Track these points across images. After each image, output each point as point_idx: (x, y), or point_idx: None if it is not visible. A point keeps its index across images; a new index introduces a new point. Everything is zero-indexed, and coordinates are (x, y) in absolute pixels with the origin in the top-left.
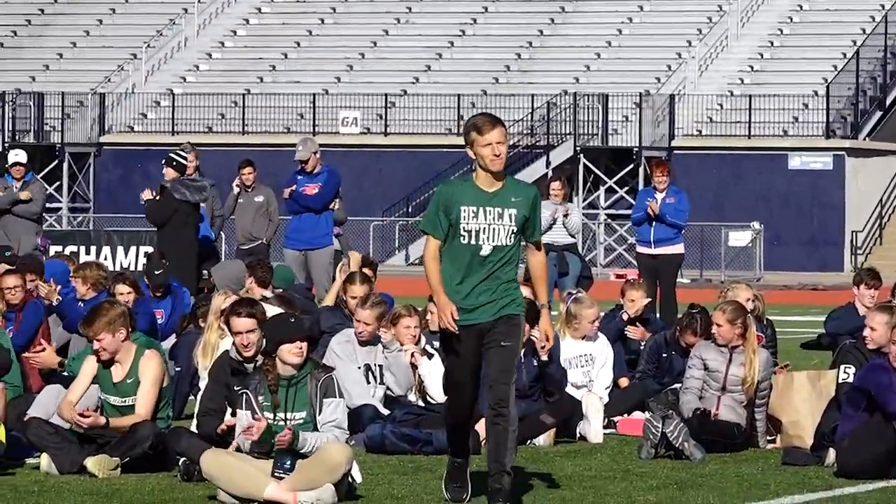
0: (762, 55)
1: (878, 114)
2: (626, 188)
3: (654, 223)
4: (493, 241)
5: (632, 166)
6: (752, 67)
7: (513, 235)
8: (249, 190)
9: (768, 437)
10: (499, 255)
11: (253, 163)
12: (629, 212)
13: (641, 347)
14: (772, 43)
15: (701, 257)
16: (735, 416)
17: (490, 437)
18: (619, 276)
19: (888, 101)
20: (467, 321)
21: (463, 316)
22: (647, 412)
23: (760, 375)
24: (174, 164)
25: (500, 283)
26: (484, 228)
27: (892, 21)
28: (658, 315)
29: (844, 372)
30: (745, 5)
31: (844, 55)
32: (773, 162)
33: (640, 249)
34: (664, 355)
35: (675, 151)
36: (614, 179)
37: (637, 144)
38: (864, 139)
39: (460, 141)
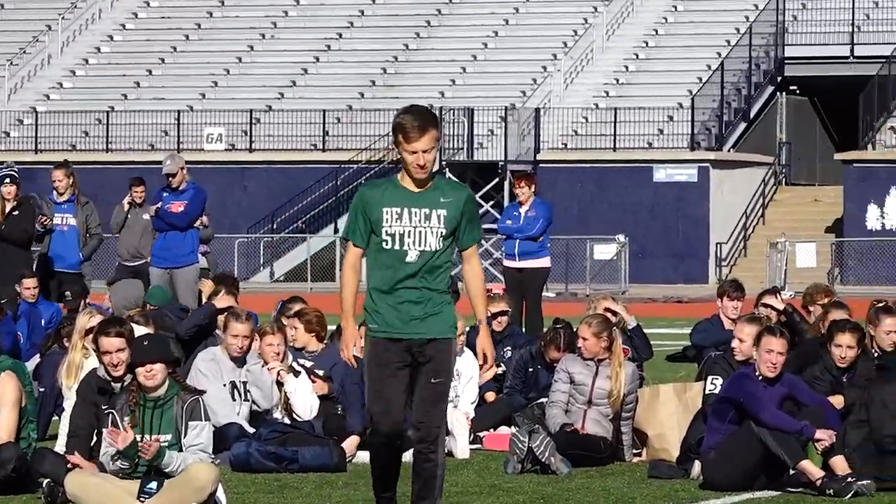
0: (627, 68)
1: (743, 125)
2: (492, 202)
3: (518, 237)
4: (420, 245)
5: (497, 180)
6: (617, 80)
7: (442, 239)
8: (139, 207)
9: (634, 451)
10: (427, 261)
11: (144, 181)
12: (495, 226)
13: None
14: (637, 56)
15: (566, 271)
16: (601, 429)
17: (416, 481)
18: (493, 291)
19: (752, 113)
20: (398, 334)
21: (389, 328)
22: (513, 427)
23: (626, 388)
24: (8, 178)
25: (431, 295)
26: (409, 231)
27: (756, 33)
28: (524, 329)
29: (711, 383)
30: (611, 19)
31: (709, 67)
32: (639, 174)
33: (507, 263)
34: (530, 370)
35: (541, 165)
36: (480, 193)
37: (503, 158)
38: (729, 151)
39: (326, 157)
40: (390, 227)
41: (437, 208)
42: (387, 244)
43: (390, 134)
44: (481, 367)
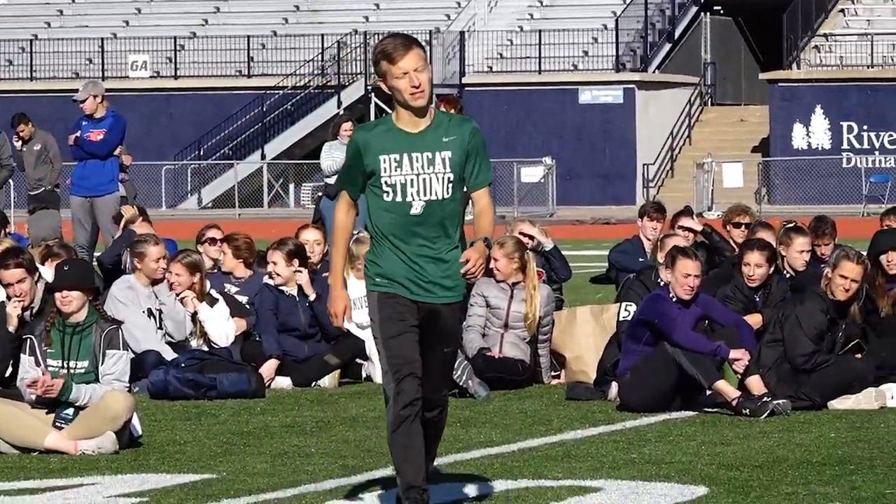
0: None
1: (668, 46)
2: None
3: None
4: (425, 194)
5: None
6: (541, 2)
7: (450, 186)
8: (28, 142)
9: (552, 373)
10: (435, 212)
11: (25, 116)
12: None
13: None
14: None
15: (494, 193)
16: (518, 352)
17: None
18: None
19: (677, 34)
20: (410, 295)
21: (395, 286)
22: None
23: (542, 311)
24: None
25: (442, 250)
26: (412, 180)
27: None
28: None
29: (625, 310)
30: None
31: None
32: (564, 97)
33: None
34: None
35: (467, 88)
36: None
37: None
38: (654, 72)
39: (252, 83)
40: (390, 177)
41: (441, 150)
42: (388, 196)
43: (376, 70)
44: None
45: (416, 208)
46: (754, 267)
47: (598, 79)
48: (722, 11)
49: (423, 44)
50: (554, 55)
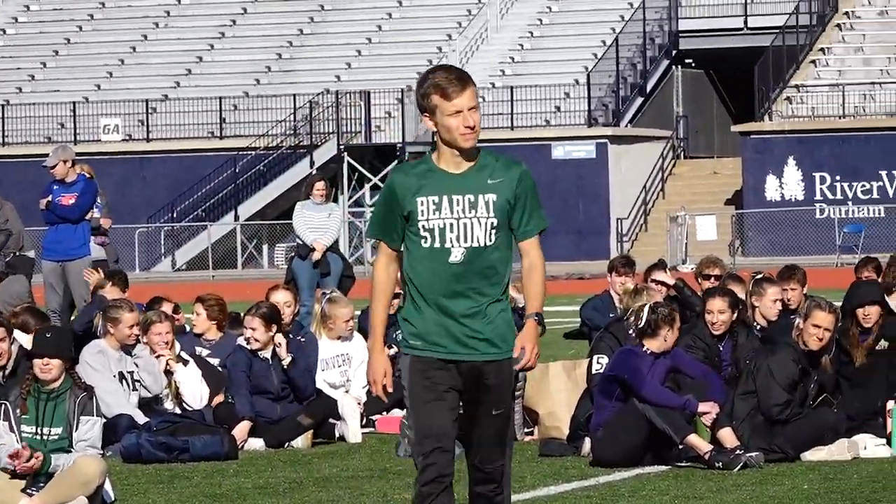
0: (522, 46)
1: (640, 100)
2: None
3: None
4: (466, 241)
5: (396, 162)
6: (512, 59)
7: (494, 232)
8: None
9: (526, 430)
10: (476, 261)
11: None
12: None
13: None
14: (531, 34)
15: None
16: None
17: None
18: None
19: (648, 87)
20: (446, 355)
21: (432, 347)
22: (405, 409)
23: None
24: None
25: (484, 303)
26: (451, 225)
27: (650, 7)
28: None
29: (597, 362)
30: None
31: (604, 43)
32: (537, 152)
33: None
34: None
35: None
36: (379, 176)
37: (400, 140)
38: (627, 126)
39: (224, 144)
40: (427, 220)
41: (485, 192)
42: (426, 242)
43: (422, 103)
44: (518, 362)
45: (456, 256)
46: (717, 314)
47: (571, 134)
48: (693, 64)
49: (395, 100)
50: (526, 111)
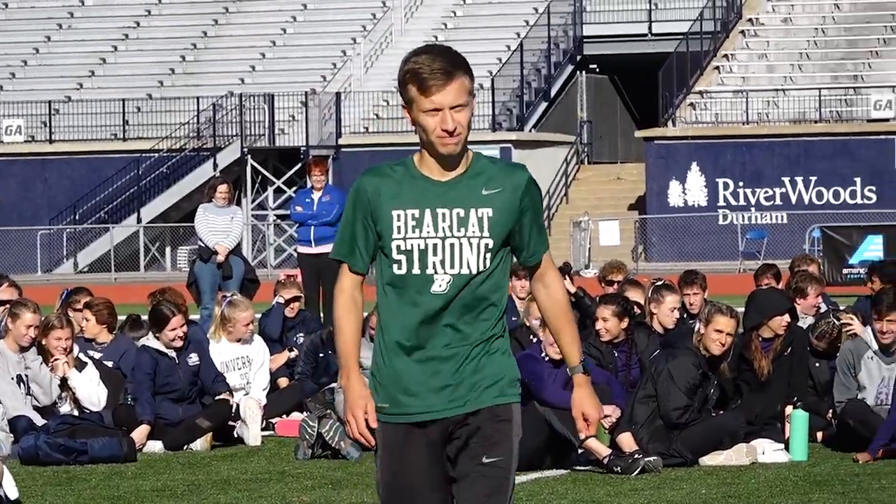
0: None
1: (544, 105)
2: (295, 188)
3: (312, 222)
4: (453, 266)
5: (299, 166)
6: None
7: (488, 255)
8: None
9: None
10: (466, 291)
11: None
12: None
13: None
14: (436, 38)
15: None
16: None
17: None
18: (288, 277)
19: (553, 92)
20: (424, 414)
21: (406, 405)
22: (304, 412)
23: None
24: None
25: (474, 345)
26: (434, 246)
27: (554, 12)
28: (321, 315)
29: None
30: (409, 1)
31: (509, 47)
32: None
33: (301, 249)
34: (321, 355)
35: (343, 149)
36: (282, 180)
37: (304, 144)
38: (531, 131)
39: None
40: (404, 239)
41: (478, 206)
42: (399, 267)
43: (400, 91)
44: (581, 432)
45: (440, 285)
46: (602, 321)
47: (475, 138)
48: (597, 70)
49: (299, 104)
50: None
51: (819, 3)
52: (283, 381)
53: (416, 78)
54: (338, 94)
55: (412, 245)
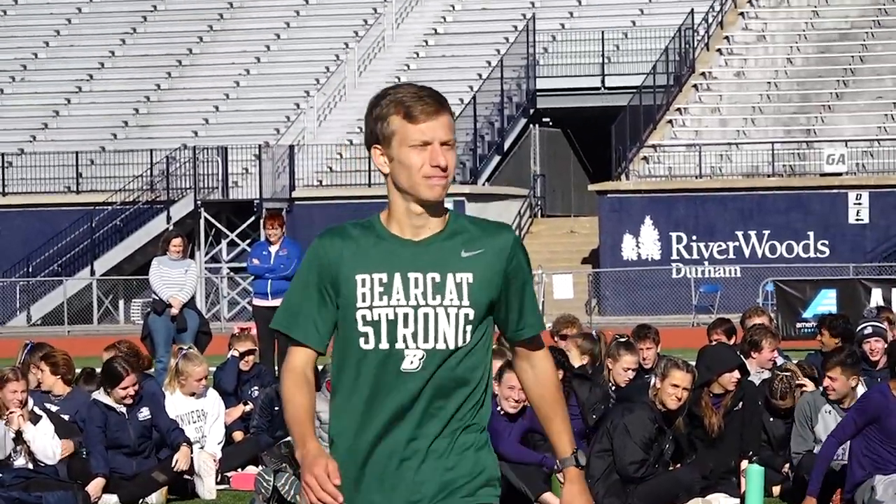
0: None
1: (497, 158)
2: (248, 240)
3: (270, 275)
4: (427, 340)
5: (253, 219)
6: None
7: (469, 329)
8: None
9: None
10: (442, 371)
11: None
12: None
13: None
14: None
15: None
16: None
17: None
18: (243, 330)
19: (506, 146)
20: None
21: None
22: (260, 466)
23: None
24: None
25: (452, 439)
26: (405, 316)
27: (507, 66)
28: (276, 368)
29: None
30: (362, 55)
31: (461, 101)
32: None
33: (257, 302)
34: (276, 408)
35: (297, 202)
36: (236, 232)
37: (258, 197)
38: (484, 184)
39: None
40: (371, 308)
41: (456, 270)
42: (366, 341)
43: (373, 129)
44: None
45: (411, 362)
46: None
47: None
48: (551, 123)
49: (253, 156)
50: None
51: (772, 57)
52: (238, 435)
53: (402, 105)
54: (291, 147)
55: (379, 315)
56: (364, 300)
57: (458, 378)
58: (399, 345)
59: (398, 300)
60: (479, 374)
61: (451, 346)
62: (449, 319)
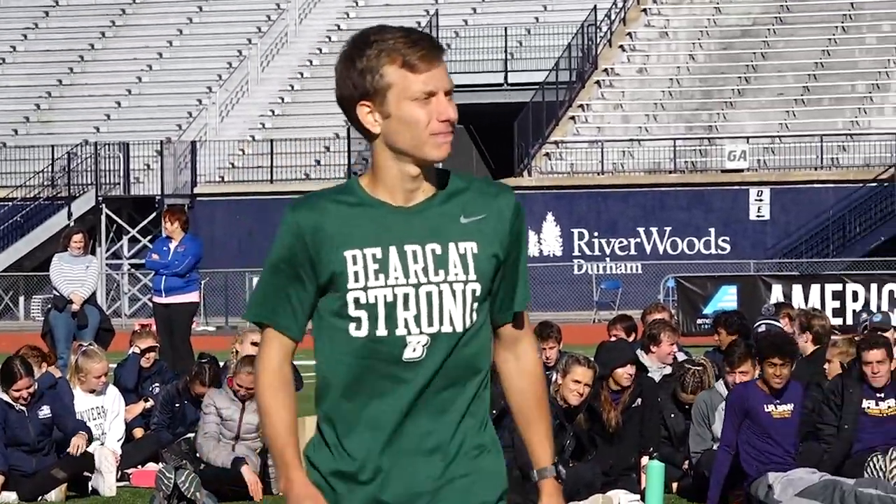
0: (283, 99)
1: None
2: (150, 237)
3: (164, 272)
4: (431, 324)
5: (155, 215)
6: (273, 112)
7: (476, 307)
8: None
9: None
10: (450, 359)
11: None
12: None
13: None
14: (292, 87)
15: (226, 304)
16: (251, 465)
17: None
18: (144, 326)
19: None
20: None
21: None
22: (160, 463)
23: None
24: None
25: (461, 431)
26: (405, 296)
27: None
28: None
29: None
30: (265, 50)
31: None
32: None
33: (155, 299)
34: (177, 405)
35: (199, 198)
36: (137, 229)
37: (159, 193)
38: None
39: None
40: (365, 289)
41: (459, 238)
42: (357, 328)
43: (358, 82)
44: None
45: (414, 350)
46: None
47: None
48: None
49: (155, 152)
50: (286, 164)
51: (674, 54)
52: (139, 432)
53: (397, 53)
54: (193, 143)
55: (375, 296)
56: (357, 280)
57: (468, 365)
58: (400, 330)
59: (396, 278)
60: (486, 359)
61: (459, 329)
62: (455, 298)
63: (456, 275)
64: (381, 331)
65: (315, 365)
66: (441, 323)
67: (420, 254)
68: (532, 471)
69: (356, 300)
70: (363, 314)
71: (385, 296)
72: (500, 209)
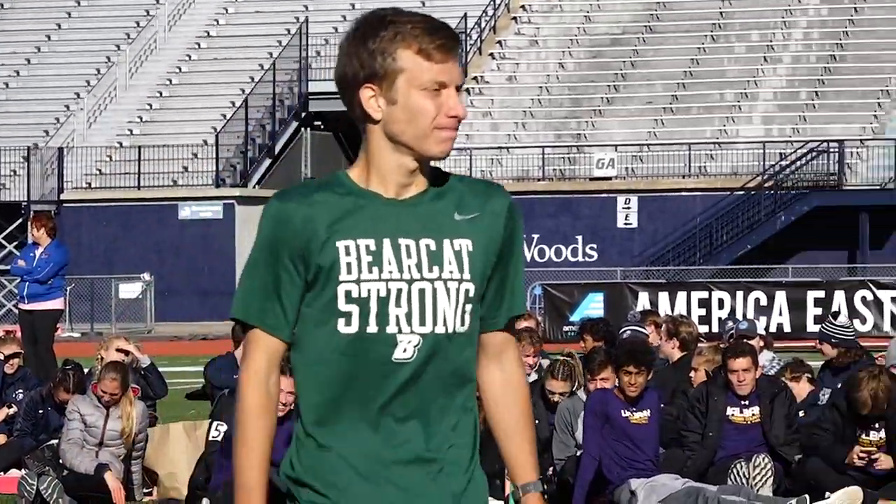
0: (151, 106)
1: (268, 161)
2: (15, 243)
3: (27, 278)
4: (424, 323)
5: (21, 221)
6: (141, 118)
7: (469, 308)
8: None
9: (145, 490)
10: (441, 361)
11: None
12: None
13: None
14: (160, 93)
15: (92, 310)
16: (114, 471)
17: None
18: (8, 332)
19: (277, 149)
20: None
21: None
22: (23, 469)
23: (137, 427)
24: None
25: (450, 439)
26: (398, 292)
27: (280, 69)
28: (37, 371)
29: (216, 429)
30: (134, 57)
31: (233, 103)
32: (164, 212)
33: (20, 305)
34: (41, 412)
35: (65, 205)
36: (3, 235)
37: (26, 199)
38: (254, 187)
39: None
40: (358, 283)
41: (454, 235)
42: (347, 323)
43: (365, 61)
44: None
45: (405, 350)
46: None
47: (198, 194)
48: (322, 126)
49: (21, 158)
50: (154, 171)
51: (543, 62)
52: (2, 438)
53: (413, 38)
54: (61, 149)
55: (367, 291)
56: (350, 272)
57: (458, 371)
58: (391, 328)
59: (390, 272)
60: (474, 368)
61: (451, 330)
62: (449, 296)
63: (451, 273)
64: (372, 327)
65: (303, 377)
66: (434, 323)
67: (413, 248)
68: (517, 486)
69: (347, 293)
70: (354, 308)
71: (378, 290)
72: (493, 208)
